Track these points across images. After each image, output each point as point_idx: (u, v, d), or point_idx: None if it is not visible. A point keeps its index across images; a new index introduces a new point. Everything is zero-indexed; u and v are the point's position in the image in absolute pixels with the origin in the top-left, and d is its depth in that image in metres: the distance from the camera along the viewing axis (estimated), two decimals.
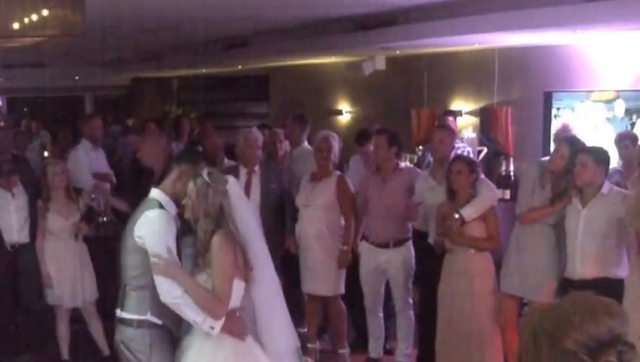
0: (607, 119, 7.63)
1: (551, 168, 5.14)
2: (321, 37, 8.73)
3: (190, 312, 3.47)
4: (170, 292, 3.48)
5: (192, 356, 3.54)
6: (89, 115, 10.19)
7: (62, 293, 6.04)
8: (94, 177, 7.47)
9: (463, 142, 8.49)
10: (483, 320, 5.16)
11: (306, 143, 7.23)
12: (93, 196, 6.35)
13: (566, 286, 4.95)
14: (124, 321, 3.68)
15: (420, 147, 9.37)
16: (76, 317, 6.30)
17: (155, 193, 3.75)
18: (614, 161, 6.44)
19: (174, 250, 3.56)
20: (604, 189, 4.85)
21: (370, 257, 5.95)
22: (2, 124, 11.45)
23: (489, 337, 5.21)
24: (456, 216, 5.09)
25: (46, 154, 10.69)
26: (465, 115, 9.53)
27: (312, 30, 8.71)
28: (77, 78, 16.16)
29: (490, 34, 6.76)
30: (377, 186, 5.91)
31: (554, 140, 6.39)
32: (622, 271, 4.89)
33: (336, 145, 6.10)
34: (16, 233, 6.15)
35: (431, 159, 6.84)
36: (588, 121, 7.73)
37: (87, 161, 7.51)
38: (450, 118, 8.69)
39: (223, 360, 3.53)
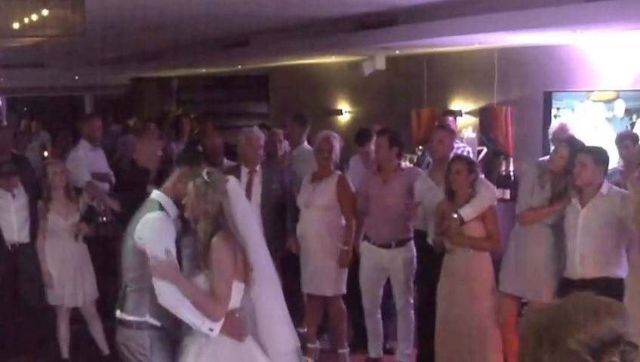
0: (607, 119, 7.63)
1: (550, 168, 5.14)
2: (321, 37, 8.72)
3: (189, 315, 3.47)
4: (169, 294, 3.48)
5: (191, 357, 3.54)
6: (88, 116, 10.20)
7: (62, 293, 6.05)
8: (93, 177, 7.47)
9: (462, 142, 8.49)
10: (482, 320, 5.16)
11: (305, 143, 7.23)
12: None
13: (565, 286, 4.96)
14: (123, 322, 3.68)
15: (420, 147, 9.37)
16: (76, 317, 6.31)
17: (155, 194, 3.75)
18: (615, 161, 6.46)
19: (173, 252, 3.55)
20: (604, 189, 4.85)
21: (372, 257, 5.95)
22: (5, 123, 11.47)
23: (488, 337, 5.21)
24: (455, 216, 5.09)
25: (46, 154, 10.69)
26: (465, 114, 9.53)
27: (312, 30, 8.71)
28: (77, 78, 16.15)
29: (490, 34, 6.76)
30: (378, 186, 5.91)
31: (551, 140, 6.38)
32: (621, 271, 4.90)
33: (337, 145, 6.10)
34: (17, 233, 6.16)
35: (430, 159, 6.84)
36: (588, 121, 7.73)
37: (87, 161, 7.51)
38: (450, 118, 8.69)
39: (223, 360, 3.53)
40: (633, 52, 7.40)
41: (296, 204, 6.12)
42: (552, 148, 5.97)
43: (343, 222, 5.98)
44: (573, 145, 5.05)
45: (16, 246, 6.17)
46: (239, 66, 13.32)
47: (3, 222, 6.15)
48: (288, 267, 6.16)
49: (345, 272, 6.01)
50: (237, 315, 3.57)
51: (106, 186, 7.57)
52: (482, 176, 5.76)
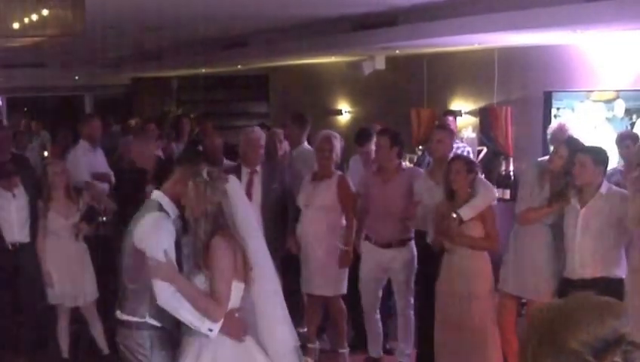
0: (607, 119, 7.63)
1: (550, 168, 5.15)
2: (321, 37, 8.73)
3: (188, 315, 3.47)
4: (167, 295, 3.47)
5: (191, 357, 3.53)
6: (87, 116, 10.18)
7: (62, 293, 6.05)
8: (93, 177, 7.47)
9: (462, 141, 8.49)
10: (481, 320, 5.16)
11: (305, 143, 7.23)
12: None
13: (565, 286, 4.97)
14: (123, 323, 3.68)
15: (420, 147, 9.38)
16: (76, 317, 6.31)
17: (156, 195, 3.75)
18: (615, 161, 6.46)
19: (172, 253, 3.54)
20: (603, 189, 4.86)
21: (373, 257, 5.95)
22: (5, 123, 11.46)
23: (488, 337, 5.21)
24: (454, 215, 5.10)
25: (46, 154, 10.69)
26: (465, 114, 9.53)
27: (312, 30, 8.71)
28: (77, 78, 16.16)
29: (490, 34, 6.76)
30: (379, 186, 5.91)
31: (550, 140, 6.38)
32: (621, 271, 4.90)
33: (338, 145, 6.10)
34: (17, 232, 6.16)
35: (430, 159, 6.84)
36: (588, 120, 7.73)
37: (86, 161, 7.51)
38: (450, 118, 8.69)
39: (223, 360, 3.53)
40: (633, 52, 7.40)
41: (297, 203, 6.12)
42: (551, 148, 5.98)
43: (344, 222, 5.98)
44: (573, 146, 5.06)
45: (17, 246, 6.18)
46: (239, 66, 13.32)
47: (3, 221, 6.15)
48: (288, 267, 6.16)
49: (345, 272, 6.01)
50: (236, 315, 3.57)
51: (105, 186, 7.57)
52: (482, 176, 5.76)
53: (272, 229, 5.96)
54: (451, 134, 6.25)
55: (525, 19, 5.99)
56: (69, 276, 6.05)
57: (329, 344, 6.48)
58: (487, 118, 8.98)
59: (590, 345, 1.42)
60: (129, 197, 5.82)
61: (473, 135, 9.33)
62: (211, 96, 16.18)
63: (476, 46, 8.55)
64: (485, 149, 8.91)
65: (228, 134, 9.34)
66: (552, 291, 5.14)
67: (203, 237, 3.50)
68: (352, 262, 6.00)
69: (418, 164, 7.76)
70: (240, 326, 3.58)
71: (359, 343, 6.38)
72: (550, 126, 6.65)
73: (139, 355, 3.62)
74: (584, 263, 4.87)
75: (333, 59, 11.24)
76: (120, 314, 3.71)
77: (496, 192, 7.45)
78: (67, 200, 6.04)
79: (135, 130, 10.41)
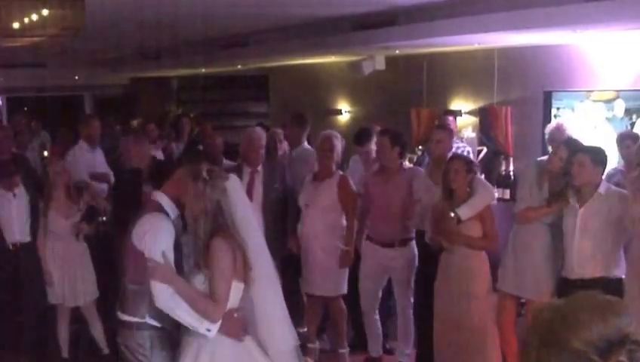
0: (607, 119, 7.63)
1: (549, 168, 5.15)
2: (321, 36, 8.72)
3: (186, 316, 3.46)
4: (166, 296, 3.47)
5: (190, 357, 3.53)
6: (87, 116, 10.19)
7: (62, 292, 6.05)
8: (92, 178, 7.47)
9: (462, 141, 8.49)
10: (480, 320, 5.16)
11: (305, 144, 7.24)
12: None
13: (563, 285, 4.97)
14: (124, 323, 3.68)
15: (420, 147, 9.37)
16: (76, 317, 6.31)
17: (157, 195, 3.74)
18: (616, 161, 6.46)
19: (170, 254, 3.53)
20: (602, 189, 4.86)
21: (374, 257, 5.95)
22: (6, 123, 11.45)
23: (487, 336, 5.21)
24: (453, 214, 5.10)
25: (46, 154, 10.68)
26: (465, 114, 9.53)
27: (312, 30, 8.70)
28: (77, 78, 16.16)
29: (490, 34, 6.75)
30: (381, 186, 5.91)
31: (547, 140, 6.38)
32: (619, 271, 4.91)
33: (338, 144, 6.11)
34: (18, 232, 6.16)
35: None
36: (588, 120, 7.74)
37: (84, 161, 7.50)
38: (450, 118, 8.69)
39: (221, 360, 3.52)
40: (633, 52, 7.40)
41: (298, 203, 6.12)
42: (550, 148, 5.99)
43: (344, 222, 5.98)
44: (572, 146, 5.06)
45: (17, 246, 6.18)
46: (239, 66, 13.32)
47: (4, 221, 6.15)
48: (288, 267, 6.16)
49: (345, 272, 6.01)
50: (235, 315, 3.56)
51: (104, 186, 7.57)
52: (482, 175, 5.77)
53: (272, 229, 5.96)
54: (450, 134, 6.26)
55: (525, 19, 5.99)
56: (69, 276, 6.05)
57: (329, 344, 6.48)
58: (487, 118, 8.98)
59: (594, 345, 1.42)
60: (128, 197, 5.84)
61: (473, 135, 9.33)
62: (211, 96, 16.17)
63: (476, 46, 8.55)
64: (485, 149, 8.91)
65: (228, 134, 9.34)
66: (550, 291, 5.15)
67: (203, 236, 3.49)
68: (353, 262, 6.01)
69: (418, 163, 7.76)
70: (239, 326, 3.57)
71: (359, 343, 6.38)
72: (548, 126, 6.65)
73: (139, 355, 3.62)
74: (583, 263, 4.87)
75: (333, 59, 11.23)
76: (121, 315, 3.70)
77: (496, 192, 7.47)
78: (68, 199, 6.04)
79: (137, 130, 10.43)
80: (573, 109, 7.95)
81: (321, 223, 5.94)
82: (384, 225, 5.88)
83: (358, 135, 6.94)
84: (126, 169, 6.72)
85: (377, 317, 6.16)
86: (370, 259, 5.99)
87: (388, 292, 6.22)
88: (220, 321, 3.46)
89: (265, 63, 12.79)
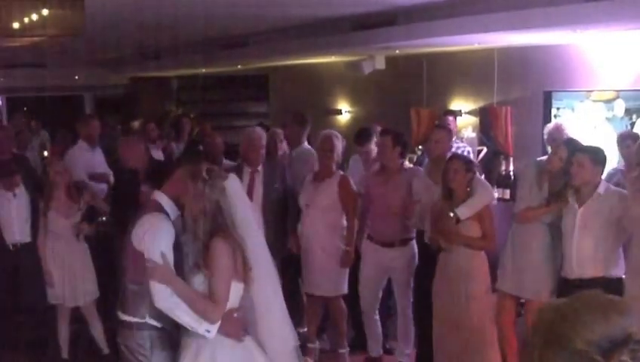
0: (607, 119, 7.64)
1: (548, 169, 5.15)
2: (321, 36, 8.72)
3: (185, 317, 3.46)
4: (165, 297, 3.46)
5: (189, 357, 3.52)
6: (86, 116, 10.19)
7: (63, 292, 6.05)
8: (91, 178, 7.46)
9: (462, 141, 8.50)
10: (479, 319, 5.16)
11: (305, 144, 7.24)
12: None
13: (563, 285, 4.97)
14: (124, 323, 3.67)
15: (420, 147, 9.38)
16: (76, 317, 6.31)
17: (156, 195, 3.73)
18: (616, 161, 6.46)
19: (170, 255, 3.51)
20: (601, 189, 4.86)
21: (375, 257, 5.94)
22: (7, 123, 11.45)
23: (485, 336, 5.21)
24: (452, 214, 5.10)
25: (46, 154, 10.68)
26: (465, 114, 9.53)
27: (312, 30, 8.70)
28: (77, 78, 16.16)
29: (490, 34, 6.75)
30: (382, 186, 5.91)
31: (546, 140, 6.38)
32: (619, 271, 4.91)
33: (339, 144, 6.11)
34: (18, 232, 6.16)
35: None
36: (588, 120, 7.74)
37: (83, 161, 7.50)
38: (450, 118, 8.69)
39: (222, 360, 3.52)
40: (633, 52, 7.40)
41: (298, 203, 6.12)
42: (549, 148, 5.99)
43: (345, 222, 5.98)
44: (572, 147, 5.06)
45: (18, 246, 6.18)
46: (239, 66, 13.32)
47: (4, 221, 6.15)
48: (288, 267, 6.16)
49: (346, 272, 6.01)
50: (235, 315, 3.55)
51: (103, 186, 7.57)
52: (482, 175, 5.76)
53: (272, 229, 5.96)
54: (450, 134, 6.25)
55: (525, 19, 5.99)
56: (69, 276, 6.05)
57: (329, 344, 6.48)
58: (487, 118, 8.99)
59: (597, 344, 1.42)
60: (128, 197, 5.84)
61: (473, 135, 9.33)
62: (211, 96, 16.17)
63: (476, 46, 8.55)
64: (485, 149, 8.91)
65: (228, 134, 9.33)
66: (550, 291, 5.15)
67: (202, 236, 3.47)
68: (353, 262, 6.01)
69: (418, 163, 7.76)
70: (239, 326, 3.56)
71: (359, 343, 6.37)
72: (547, 126, 6.65)
73: (139, 356, 3.62)
74: (582, 263, 4.87)
75: (333, 59, 11.23)
76: (121, 315, 3.70)
77: (496, 192, 7.47)
78: (68, 199, 6.04)
79: (133, 132, 10.42)
80: (573, 109, 7.95)
81: (322, 223, 5.94)
82: (384, 224, 5.88)
83: (358, 135, 6.94)
84: (126, 169, 6.72)
85: (377, 317, 6.16)
86: (370, 259, 5.99)
87: (388, 292, 6.22)
88: (220, 322, 3.45)
89: (265, 63, 12.78)
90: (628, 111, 7.47)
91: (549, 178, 5.12)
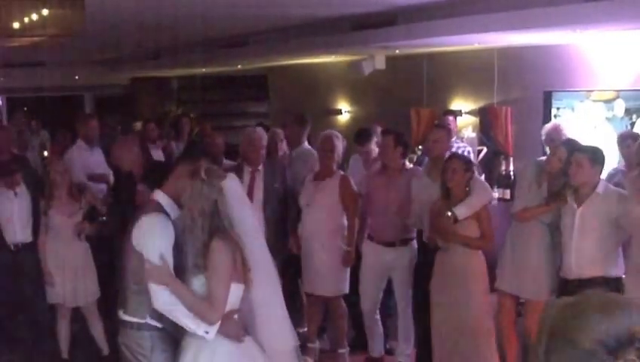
0: (607, 119, 7.63)
1: (547, 169, 5.15)
2: (321, 36, 8.72)
3: (184, 318, 3.45)
4: (163, 299, 3.46)
5: (190, 357, 3.52)
6: (85, 116, 10.18)
7: (64, 292, 6.04)
8: (89, 178, 7.45)
9: (462, 141, 8.50)
10: (476, 319, 5.16)
11: (306, 143, 7.24)
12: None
13: (562, 285, 4.97)
14: (125, 323, 3.67)
15: (420, 146, 9.38)
16: (76, 317, 6.31)
17: (157, 195, 3.72)
18: (616, 161, 6.46)
19: (169, 256, 3.50)
20: (600, 188, 4.86)
21: (376, 256, 5.94)
22: (7, 123, 11.45)
23: (483, 336, 5.20)
24: (449, 214, 5.10)
25: (45, 153, 10.68)
26: (465, 114, 9.53)
27: (312, 29, 8.70)
28: (77, 77, 16.16)
29: (490, 34, 6.75)
30: (383, 186, 5.90)
31: (544, 140, 6.39)
32: (618, 270, 4.91)
33: (339, 144, 6.11)
34: (19, 232, 6.15)
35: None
36: (588, 120, 7.73)
37: (82, 161, 7.49)
38: (451, 118, 8.69)
39: (222, 361, 3.51)
40: (633, 52, 7.40)
41: (298, 203, 6.12)
42: (547, 148, 6.00)
43: (345, 221, 5.98)
44: (571, 147, 5.06)
45: (19, 247, 6.17)
46: (239, 66, 13.31)
47: (5, 221, 6.14)
48: (288, 267, 6.16)
49: (346, 272, 6.01)
50: (235, 316, 3.54)
51: (102, 187, 7.56)
52: (482, 175, 5.77)
53: (273, 229, 5.97)
54: (448, 133, 6.25)
55: (525, 19, 5.98)
56: (70, 275, 6.04)
57: (329, 344, 6.48)
58: (487, 118, 8.98)
59: (604, 343, 1.41)
60: (128, 197, 5.83)
61: (473, 135, 9.33)
62: (211, 96, 16.17)
63: (476, 46, 8.55)
64: (485, 149, 8.91)
65: (228, 134, 9.33)
66: (549, 291, 5.15)
67: (201, 236, 3.46)
68: (354, 262, 6.01)
69: (418, 163, 7.76)
70: (239, 327, 3.55)
71: (359, 343, 6.37)
72: (545, 126, 6.65)
73: (139, 356, 3.61)
74: (581, 263, 4.87)
75: (333, 59, 11.23)
76: (122, 314, 3.70)
77: (497, 192, 7.47)
78: (69, 199, 6.04)
79: (132, 132, 10.42)
80: (573, 109, 7.95)
81: (322, 223, 5.94)
82: (385, 224, 5.88)
83: (358, 134, 6.95)
84: (122, 170, 6.72)
85: (378, 316, 6.16)
86: (370, 259, 5.98)
87: (388, 292, 6.22)
88: (219, 323, 3.44)
89: (265, 63, 12.78)
90: (628, 111, 7.47)
91: (549, 178, 5.13)
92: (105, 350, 6.20)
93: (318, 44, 8.92)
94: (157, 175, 4.44)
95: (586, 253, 4.86)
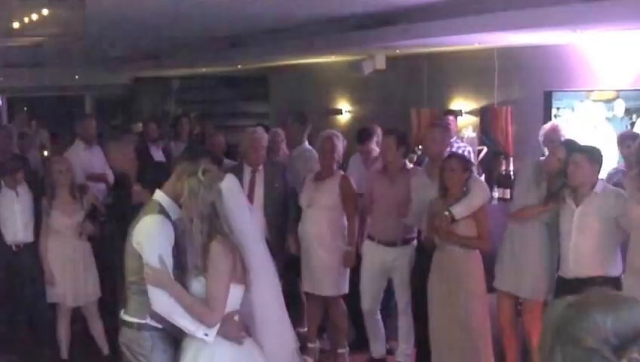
0: (607, 119, 7.63)
1: (546, 169, 5.15)
2: (321, 36, 8.72)
3: (183, 321, 3.44)
4: (162, 301, 3.45)
5: (190, 357, 3.51)
6: (83, 115, 10.18)
7: (64, 292, 6.04)
8: (88, 178, 7.45)
9: (463, 141, 8.49)
10: (473, 318, 5.16)
11: (306, 143, 7.23)
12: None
13: (560, 285, 4.97)
14: (126, 323, 3.67)
15: (420, 146, 9.37)
16: (76, 317, 6.30)
17: (157, 195, 3.71)
18: (616, 161, 6.46)
19: (168, 258, 3.49)
20: (598, 188, 4.87)
21: (376, 256, 5.94)
22: (9, 123, 11.44)
23: (480, 335, 5.20)
24: (447, 213, 5.09)
25: (45, 153, 10.67)
26: (465, 114, 9.53)
27: (312, 29, 8.70)
28: (77, 77, 16.15)
29: (490, 34, 6.75)
30: (384, 186, 5.90)
31: (542, 141, 6.39)
32: (616, 270, 4.92)
33: (339, 144, 6.11)
34: (21, 232, 6.15)
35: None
36: (588, 120, 7.73)
37: (79, 161, 7.49)
38: (451, 118, 8.69)
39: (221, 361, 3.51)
40: (633, 52, 7.40)
41: (298, 203, 6.12)
42: (545, 149, 6.00)
43: (345, 221, 5.97)
44: (571, 147, 5.06)
45: (21, 247, 6.17)
46: (239, 66, 13.31)
47: (7, 221, 6.14)
48: (288, 267, 6.16)
49: (346, 272, 6.02)
50: (235, 318, 3.53)
51: (101, 187, 7.56)
52: (482, 175, 5.76)
53: (273, 229, 5.97)
54: (446, 132, 6.25)
55: (525, 19, 5.98)
56: (71, 275, 6.04)
57: (329, 344, 6.48)
58: (487, 118, 8.98)
59: (608, 342, 1.41)
60: (128, 196, 5.84)
61: (473, 135, 9.32)
62: (211, 96, 16.16)
63: (476, 46, 8.55)
64: (485, 149, 8.90)
65: (227, 134, 9.33)
66: (547, 290, 5.16)
67: (200, 238, 3.44)
68: (355, 262, 6.00)
69: (418, 163, 7.76)
70: (239, 328, 3.54)
71: (359, 343, 6.37)
72: (543, 127, 6.65)
73: (139, 356, 3.61)
74: (579, 262, 4.88)
75: (333, 59, 11.23)
76: (123, 314, 3.70)
77: (497, 192, 7.47)
78: (71, 198, 6.04)
79: (127, 133, 10.40)
80: (573, 109, 7.95)
81: (323, 223, 5.94)
82: (387, 224, 5.88)
83: (359, 134, 6.95)
84: (118, 171, 6.73)
85: (379, 316, 6.15)
86: (371, 259, 5.98)
87: (388, 292, 6.21)
88: (218, 326, 3.43)
89: (265, 63, 12.77)
90: (628, 111, 7.47)
91: (548, 178, 5.13)
92: (105, 350, 6.20)
93: (318, 44, 8.91)
94: (151, 175, 4.45)
95: (585, 253, 4.86)
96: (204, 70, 14.58)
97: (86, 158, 7.71)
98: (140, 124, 12.47)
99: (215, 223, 3.45)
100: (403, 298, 5.98)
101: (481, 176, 7.23)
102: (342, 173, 6.15)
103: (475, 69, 9.38)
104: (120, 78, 16.61)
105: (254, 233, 3.84)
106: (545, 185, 5.13)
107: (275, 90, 15.01)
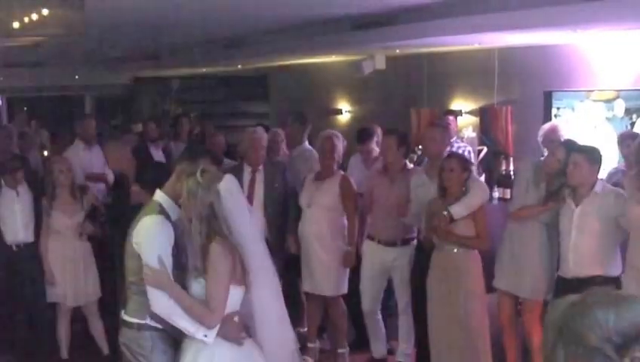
0: (607, 119, 7.64)
1: (545, 169, 5.15)
2: (321, 36, 8.71)
3: (182, 322, 3.44)
4: (162, 302, 3.45)
5: (189, 359, 3.51)
6: (83, 115, 10.18)
7: (64, 292, 6.04)
8: (88, 178, 7.45)
9: (463, 141, 8.50)
10: (472, 317, 5.16)
11: (306, 143, 7.23)
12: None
13: (560, 284, 4.98)
14: (126, 323, 3.67)
15: (420, 146, 9.37)
16: (76, 316, 6.30)
17: (157, 195, 3.71)
18: (617, 161, 6.47)
19: (167, 259, 3.48)
20: (597, 188, 4.87)
21: (376, 256, 5.94)
22: (10, 124, 11.45)
23: (479, 335, 5.20)
24: (445, 213, 5.10)
25: (45, 153, 10.67)
26: (465, 114, 9.53)
27: (312, 29, 8.70)
28: (77, 77, 16.16)
29: (490, 34, 6.75)
30: (385, 186, 5.90)
31: (541, 141, 6.39)
32: (616, 270, 4.91)
33: (339, 144, 6.11)
34: (22, 232, 6.15)
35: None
36: (588, 120, 7.74)
37: (78, 161, 7.49)
38: (451, 118, 8.70)
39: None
40: (633, 52, 7.40)
41: (298, 203, 6.12)
42: (544, 149, 6.00)
43: (345, 221, 5.97)
44: (570, 147, 5.06)
45: (21, 247, 6.17)
46: (239, 66, 13.31)
47: (7, 221, 6.14)
48: (288, 267, 6.16)
49: (346, 272, 6.01)
50: (235, 318, 3.53)
51: (100, 187, 7.56)
52: (483, 175, 5.76)
53: (274, 229, 5.97)
54: (445, 132, 6.25)
55: (525, 20, 5.98)
56: (71, 275, 6.04)
57: (329, 344, 6.48)
58: (487, 118, 8.99)
59: (610, 341, 1.41)
60: (127, 196, 5.85)
61: (473, 134, 9.33)
62: (211, 96, 16.16)
63: (476, 46, 8.55)
64: (485, 149, 8.91)
65: (227, 134, 9.33)
66: (547, 290, 5.16)
67: (199, 239, 3.43)
68: (355, 262, 6.00)
69: (418, 163, 7.76)
70: (239, 329, 3.53)
71: (359, 343, 6.37)
72: (542, 127, 6.65)
73: (138, 356, 3.61)
74: (579, 262, 4.88)
75: (333, 59, 11.23)
76: (123, 314, 3.70)
77: (497, 192, 7.47)
78: (71, 198, 6.03)
79: (125, 134, 10.42)
80: (573, 109, 7.95)
81: (323, 223, 5.94)
82: (387, 224, 5.88)
83: (359, 133, 6.95)
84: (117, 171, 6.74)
85: (380, 317, 6.15)
86: (371, 259, 5.98)
87: (388, 292, 6.22)
88: (218, 327, 3.42)
89: (265, 63, 12.77)
90: (628, 111, 7.47)
91: (548, 178, 5.13)
92: (105, 350, 6.20)
93: (318, 44, 8.91)
94: (150, 175, 4.45)
95: (584, 253, 4.86)
96: (204, 70, 14.59)
97: (85, 158, 7.70)
98: (140, 124, 12.46)
99: (214, 224, 3.44)
100: (403, 298, 5.98)
101: (481, 176, 7.24)
102: (342, 173, 6.15)
103: (475, 69, 9.39)
104: (120, 77, 16.62)
105: (254, 234, 3.82)
106: (544, 186, 5.13)
107: (274, 90, 15.02)
